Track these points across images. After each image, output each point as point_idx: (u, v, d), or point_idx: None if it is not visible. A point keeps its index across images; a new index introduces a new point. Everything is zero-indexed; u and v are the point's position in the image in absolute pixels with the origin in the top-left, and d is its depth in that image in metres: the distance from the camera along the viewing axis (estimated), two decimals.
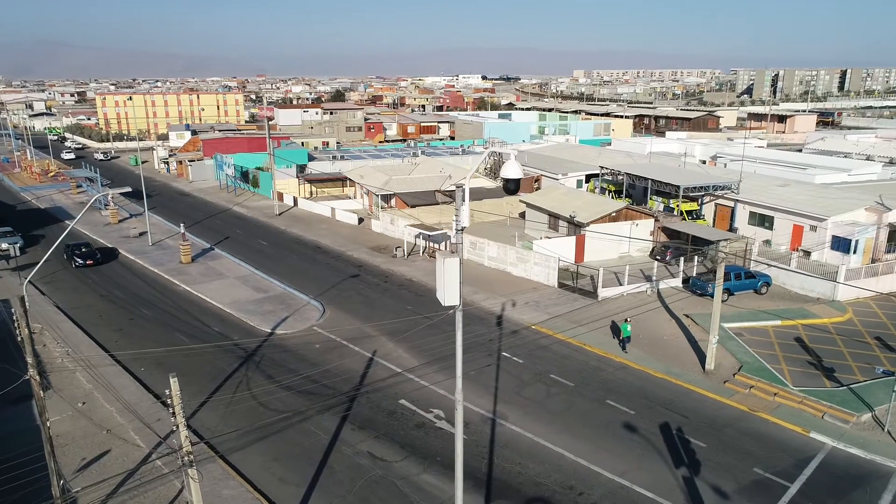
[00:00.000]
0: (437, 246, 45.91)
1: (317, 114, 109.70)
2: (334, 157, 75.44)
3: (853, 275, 36.83)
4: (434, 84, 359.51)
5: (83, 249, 45.45)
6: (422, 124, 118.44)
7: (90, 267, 44.51)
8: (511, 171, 12.88)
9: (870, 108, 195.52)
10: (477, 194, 57.80)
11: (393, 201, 57.80)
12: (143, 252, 48.14)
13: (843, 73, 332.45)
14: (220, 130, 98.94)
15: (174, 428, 14.08)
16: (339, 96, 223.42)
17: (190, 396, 26.17)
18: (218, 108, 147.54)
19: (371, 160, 73.88)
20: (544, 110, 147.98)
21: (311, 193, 69.42)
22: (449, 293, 12.21)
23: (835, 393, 25.78)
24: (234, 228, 55.98)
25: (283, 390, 26.63)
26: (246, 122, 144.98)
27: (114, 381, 26.76)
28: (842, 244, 42.09)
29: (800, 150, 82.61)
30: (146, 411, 24.50)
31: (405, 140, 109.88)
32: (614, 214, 44.88)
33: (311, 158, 74.37)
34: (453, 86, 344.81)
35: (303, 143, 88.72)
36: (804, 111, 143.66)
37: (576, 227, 44.84)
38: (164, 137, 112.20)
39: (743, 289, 37.43)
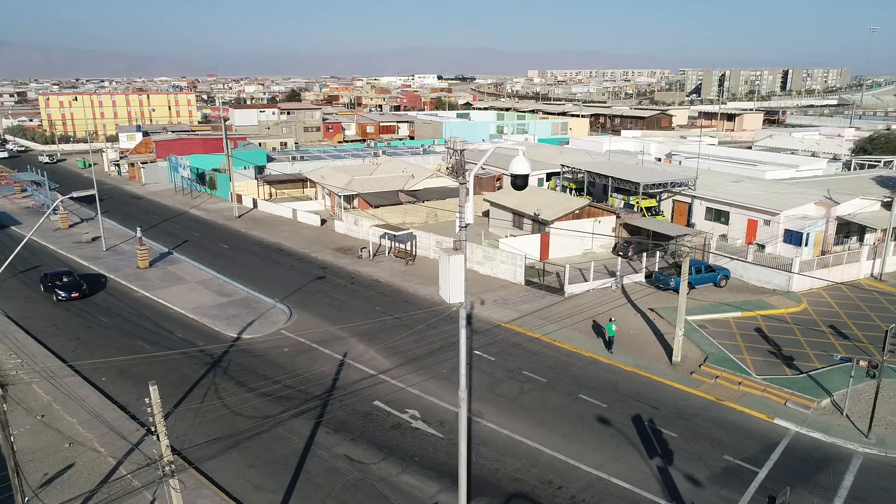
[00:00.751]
0: (402, 246, 45.75)
1: (273, 114, 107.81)
2: (294, 158, 74.34)
3: (806, 266, 38.32)
4: (390, 84, 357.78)
5: (65, 279, 38.24)
6: (381, 124, 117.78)
7: (75, 300, 37.40)
8: (519, 166, 12.86)
9: (811, 106, 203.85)
10: (440, 193, 57.84)
11: (356, 202, 57.31)
12: (98, 258, 46.44)
13: (785, 74, 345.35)
14: (173, 131, 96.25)
15: (155, 437, 13.61)
16: (294, 96, 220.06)
17: None
18: (169, 109, 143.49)
19: (332, 160, 73.09)
20: (502, 110, 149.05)
21: (271, 195, 68.24)
22: (455, 290, 12.13)
23: (795, 380, 26.76)
24: (192, 232, 54.55)
25: (254, 396, 26.11)
26: (199, 122, 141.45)
27: (74, 393, 25.73)
28: (794, 237, 43.72)
29: (749, 148, 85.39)
30: (111, 422, 23.63)
31: (365, 140, 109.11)
32: (577, 212, 45.55)
33: (269, 159, 73.09)
34: (410, 85, 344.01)
35: (260, 144, 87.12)
36: (751, 110, 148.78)
37: (540, 224, 45.33)
38: (114, 139, 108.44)
39: (704, 282, 38.49)
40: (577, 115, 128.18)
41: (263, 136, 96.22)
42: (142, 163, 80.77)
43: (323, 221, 56.28)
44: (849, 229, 45.48)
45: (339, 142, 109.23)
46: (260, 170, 69.59)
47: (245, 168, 67.40)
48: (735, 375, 27.20)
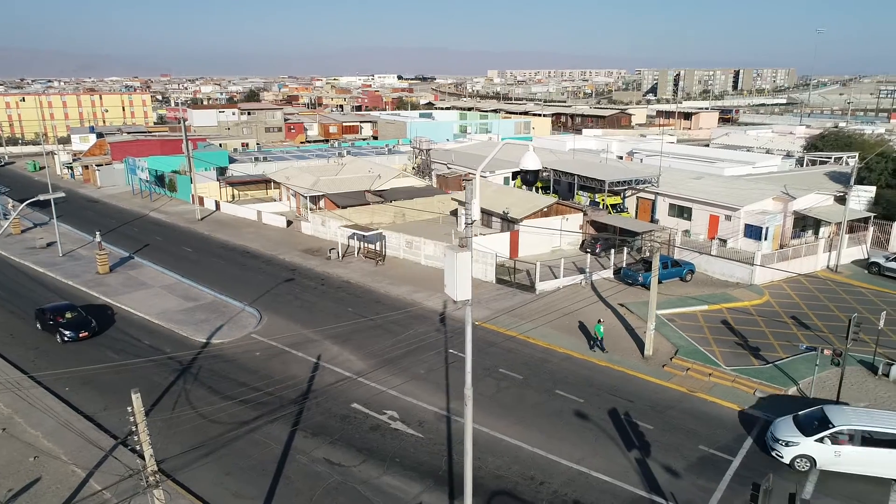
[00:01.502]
0: (372, 246, 45.43)
1: (233, 114, 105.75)
2: (256, 159, 73.11)
3: (767, 260, 39.51)
4: (350, 84, 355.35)
5: (68, 315, 31.84)
6: (344, 124, 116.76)
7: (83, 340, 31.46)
8: (530, 162, 12.87)
9: (763, 105, 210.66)
10: (407, 193, 57.67)
11: (322, 202, 56.67)
12: (54, 264, 44.77)
13: (737, 74, 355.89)
14: (128, 133, 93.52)
15: (138, 446, 13.14)
16: (252, 96, 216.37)
17: (124, 414, 24.64)
18: (123, 110, 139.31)
19: (296, 161, 72.12)
20: (464, 109, 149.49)
21: (234, 197, 66.93)
22: (461, 288, 12.01)
23: (762, 370, 27.56)
24: (153, 235, 53.09)
25: (227, 402, 25.53)
26: (155, 123, 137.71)
27: (37, 404, 24.72)
28: (754, 232, 45.06)
29: (707, 145, 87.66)
30: (80, 433, 22.77)
31: (328, 140, 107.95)
32: (546, 210, 45.99)
33: (231, 160, 71.69)
34: (370, 85, 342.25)
35: (221, 145, 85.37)
36: (707, 109, 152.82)
37: (509, 223, 45.60)
38: (66, 141, 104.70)
39: (670, 277, 39.30)
40: (539, 115, 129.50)
41: (224, 137, 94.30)
42: (97, 165, 78.18)
43: (289, 223, 55.48)
44: (805, 223, 47.09)
45: (302, 142, 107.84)
46: (222, 171, 68.19)
47: (206, 169, 65.94)
48: (705, 367, 27.86)
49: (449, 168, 68.51)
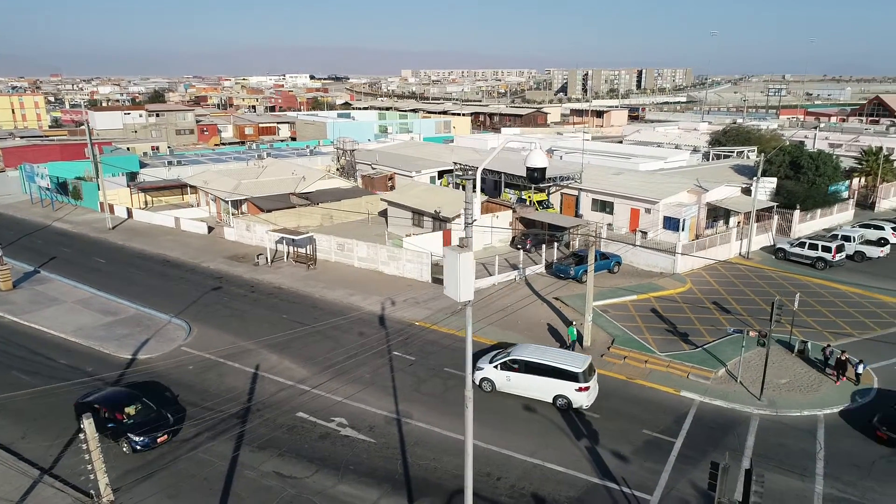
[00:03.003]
0: (302, 250, 44.28)
1: (140, 116, 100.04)
2: (170, 163, 69.50)
3: (687, 249, 41.69)
4: (261, 84, 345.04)
5: (132, 411, 22.80)
6: (260, 125, 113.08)
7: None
8: (537, 160, 12.73)
9: (666, 103, 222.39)
10: (334, 195, 56.63)
11: (244, 207, 54.67)
12: None
13: (640, 73, 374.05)
14: (21, 137, 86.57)
15: (91, 475, 12.08)
16: (157, 97, 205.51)
17: (48, 441, 22.83)
18: (13, 112, 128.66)
19: (213, 164, 69.17)
20: (382, 109, 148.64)
21: (147, 203, 63.33)
22: (464, 289, 11.77)
23: (693, 354, 29.05)
24: (59, 247, 49.33)
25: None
26: (51, 126, 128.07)
27: None
28: (672, 223, 47.37)
29: (620, 142, 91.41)
30: None
31: (244, 142, 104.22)
32: None
33: (142, 165, 67.79)
34: (282, 85, 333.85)
35: (129, 149, 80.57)
36: (617, 107, 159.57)
37: (441, 222, 45.71)
38: None
39: (599, 269, 40.46)
40: (459, 114, 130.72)
41: (131, 141, 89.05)
42: None
43: (210, 229, 53.11)
44: (717, 214, 50.05)
45: (216, 144, 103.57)
46: (132, 177, 64.36)
47: (115, 175, 62.02)
48: (641, 354, 29.04)
49: (374, 168, 67.85)
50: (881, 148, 64.12)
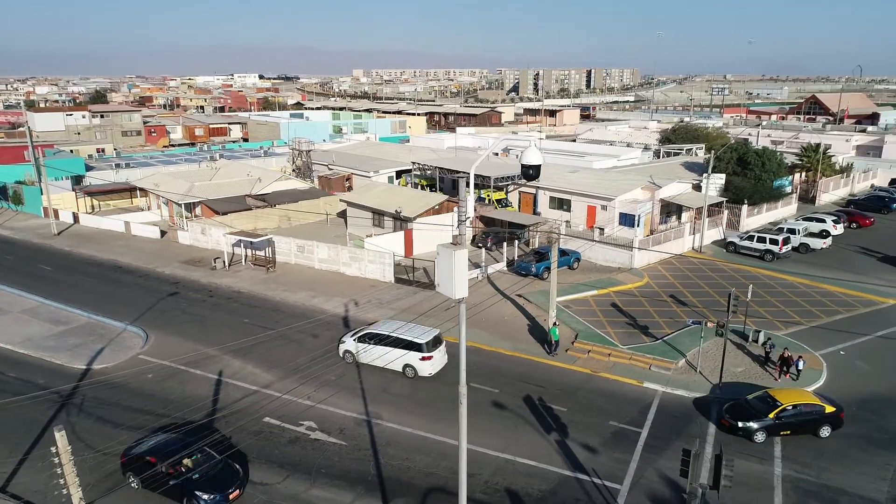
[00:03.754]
0: (261, 253, 43.49)
1: (84, 117, 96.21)
2: (118, 165, 67.14)
3: (643, 244, 42.78)
4: (209, 84, 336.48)
5: (191, 463, 19.78)
6: (211, 126, 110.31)
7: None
8: (532, 157, 12.82)
9: (616, 102, 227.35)
10: (291, 196, 55.79)
11: (198, 210, 53.31)
12: None
13: (589, 73, 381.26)
14: None
15: (64, 490, 11.59)
16: (99, 97, 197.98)
17: (1, 459, 21.79)
18: None
19: (163, 166, 67.16)
20: (336, 109, 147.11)
21: (94, 208, 61.04)
22: (458, 286, 11.73)
23: (654, 346, 29.86)
24: (1, 255, 47.07)
25: (122, 430, 23.34)
26: None
27: None
28: (627, 219, 48.53)
29: (574, 141, 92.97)
30: None
31: (194, 144, 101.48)
32: (437, 207, 46.50)
33: (88, 168, 65.28)
34: (231, 85, 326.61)
35: (72, 151, 77.47)
36: (569, 106, 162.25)
37: (402, 221, 45.61)
38: None
39: (559, 266, 41.06)
40: (414, 114, 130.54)
41: (74, 143, 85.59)
42: None
43: (163, 233, 51.58)
44: (669, 209, 51.50)
45: (165, 146, 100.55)
46: (78, 180, 61.94)
47: (59, 179, 59.57)
48: (604, 348, 29.67)
49: (331, 169, 67.17)
50: (819, 144, 67.20)
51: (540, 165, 13.86)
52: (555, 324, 30.25)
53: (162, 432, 22.00)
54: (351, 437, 23.10)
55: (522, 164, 13.67)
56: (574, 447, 22.40)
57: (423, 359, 26.91)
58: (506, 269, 41.93)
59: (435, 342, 27.51)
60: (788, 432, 22.96)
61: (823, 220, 49.62)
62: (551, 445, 22.50)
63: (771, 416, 22.82)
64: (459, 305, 12.55)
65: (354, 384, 27.02)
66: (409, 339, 27.15)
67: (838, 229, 49.43)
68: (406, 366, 27.27)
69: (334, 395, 25.87)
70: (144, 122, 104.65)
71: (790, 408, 22.98)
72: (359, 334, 28.78)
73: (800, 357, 27.05)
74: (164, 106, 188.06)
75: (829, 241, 46.76)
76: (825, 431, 23.06)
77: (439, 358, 27.52)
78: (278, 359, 29.10)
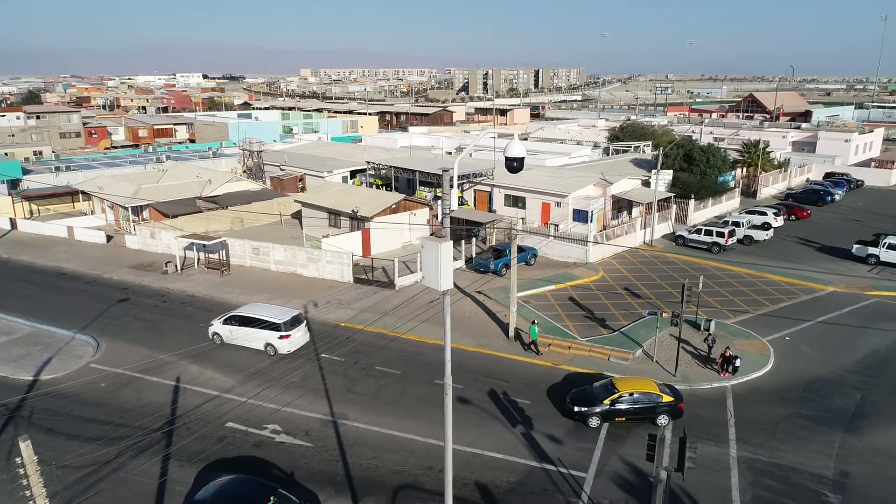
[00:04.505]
0: (214, 256, 42.49)
1: (18, 118, 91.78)
2: (58, 168, 64.36)
3: (597, 239, 43.78)
4: (150, 84, 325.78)
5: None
6: (155, 127, 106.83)
7: None
8: (516, 150, 12.87)
9: (564, 101, 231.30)
10: (243, 198, 54.68)
11: (146, 213, 51.68)
12: None
13: (537, 73, 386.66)
14: None
15: (30, 501, 11.09)
16: (32, 98, 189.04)
17: None
18: None
19: (106, 169, 64.77)
20: (285, 109, 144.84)
21: (33, 213, 58.37)
22: (444, 278, 11.73)
23: (611, 338, 30.65)
24: None
25: (76, 442, 22.49)
26: None
27: None
28: (581, 216, 49.58)
29: (525, 139, 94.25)
30: None
31: (138, 145, 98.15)
32: (394, 206, 46.43)
33: (25, 171, 62.39)
34: (174, 85, 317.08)
35: (6, 154, 73.83)
36: (519, 105, 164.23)
37: (359, 221, 45.35)
38: None
39: (517, 262, 41.86)
40: (365, 114, 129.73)
41: (8, 146, 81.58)
42: None
43: (109, 238, 49.78)
44: (620, 205, 52.87)
45: (107, 148, 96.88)
46: (14, 184, 59.13)
47: None
48: (564, 341, 30.28)
49: (283, 169, 66.16)
50: (759, 141, 70.14)
51: (524, 158, 14.06)
52: (533, 322, 30.42)
53: (224, 474, 19.33)
54: (317, 438, 22.90)
55: (507, 157, 13.84)
56: (539, 438, 22.82)
57: (282, 337, 28.89)
58: (464, 266, 42.22)
59: (293, 322, 29.35)
60: (623, 419, 23.55)
61: (765, 213, 51.83)
62: (517, 438, 22.85)
63: (606, 402, 23.39)
64: (444, 297, 12.66)
65: (318, 385, 26.75)
66: (269, 319, 28.91)
67: (779, 222, 51.73)
68: (267, 344, 29.20)
69: (298, 398, 25.57)
70: (84, 124, 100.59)
71: (626, 395, 23.50)
72: (224, 317, 30.45)
73: (737, 356, 27.56)
74: (104, 106, 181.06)
75: (770, 233, 48.89)
76: (663, 420, 23.51)
77: (299, 337, 29.49)
78: (238, 362, 28.58)
